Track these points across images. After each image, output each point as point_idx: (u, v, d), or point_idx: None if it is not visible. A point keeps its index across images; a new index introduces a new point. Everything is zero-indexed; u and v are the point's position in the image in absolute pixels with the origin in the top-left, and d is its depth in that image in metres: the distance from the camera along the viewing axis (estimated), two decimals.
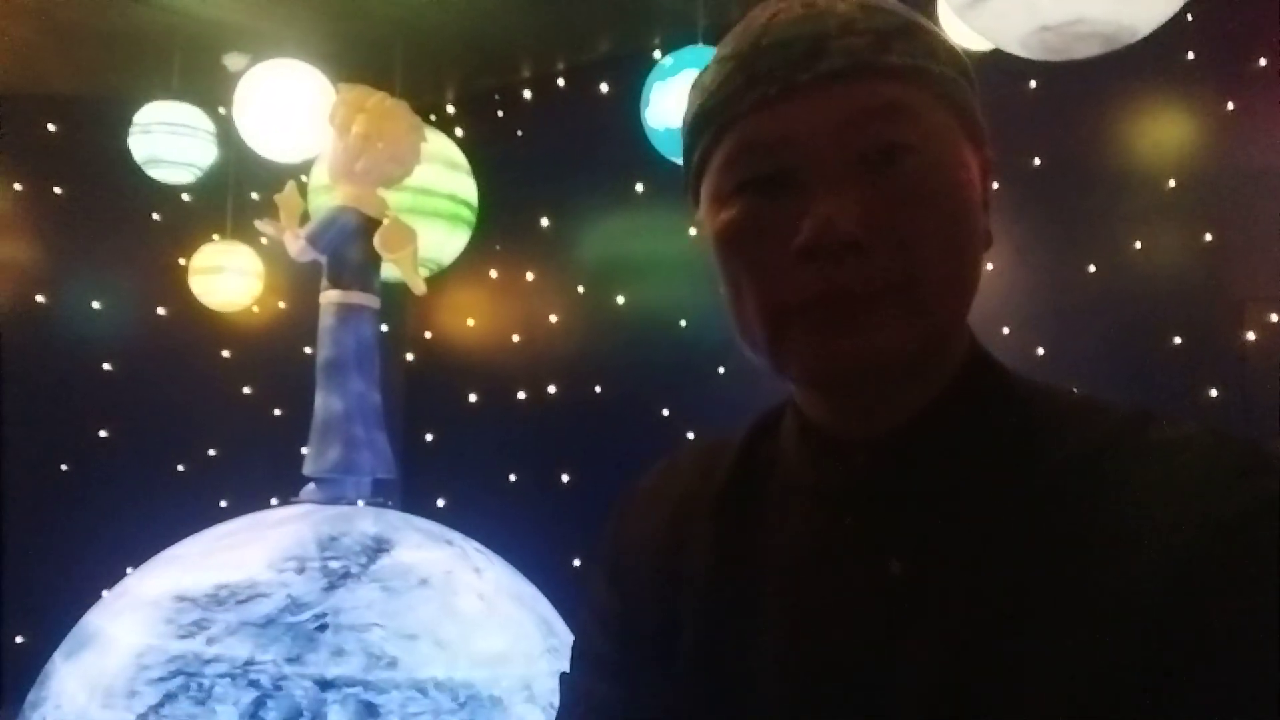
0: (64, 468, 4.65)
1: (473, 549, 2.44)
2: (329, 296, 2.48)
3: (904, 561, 0.68)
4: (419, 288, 2.65)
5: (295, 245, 2.47)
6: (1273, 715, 0.54)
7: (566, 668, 0.88)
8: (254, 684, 1.95)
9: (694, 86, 0.77)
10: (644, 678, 0.79)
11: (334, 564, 2.18)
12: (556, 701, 0.88)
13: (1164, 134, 3.40)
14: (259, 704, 1.92)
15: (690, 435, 3.99)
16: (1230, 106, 3.21)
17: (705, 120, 0.74)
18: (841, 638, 0.68)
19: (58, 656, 2.15)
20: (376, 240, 2.48)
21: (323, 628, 2.04)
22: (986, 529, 0.66)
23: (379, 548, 2.26)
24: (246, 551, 2.18)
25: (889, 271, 0.66)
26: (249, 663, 1.96)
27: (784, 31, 0.70)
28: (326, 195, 2.85)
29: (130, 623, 2.05)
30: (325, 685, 1.98)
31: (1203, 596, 0.57)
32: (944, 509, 0.68)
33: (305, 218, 2.61)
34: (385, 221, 2.54)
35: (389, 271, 2.63)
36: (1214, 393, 3.10)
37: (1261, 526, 0.58)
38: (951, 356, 0.73)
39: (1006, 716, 0.60)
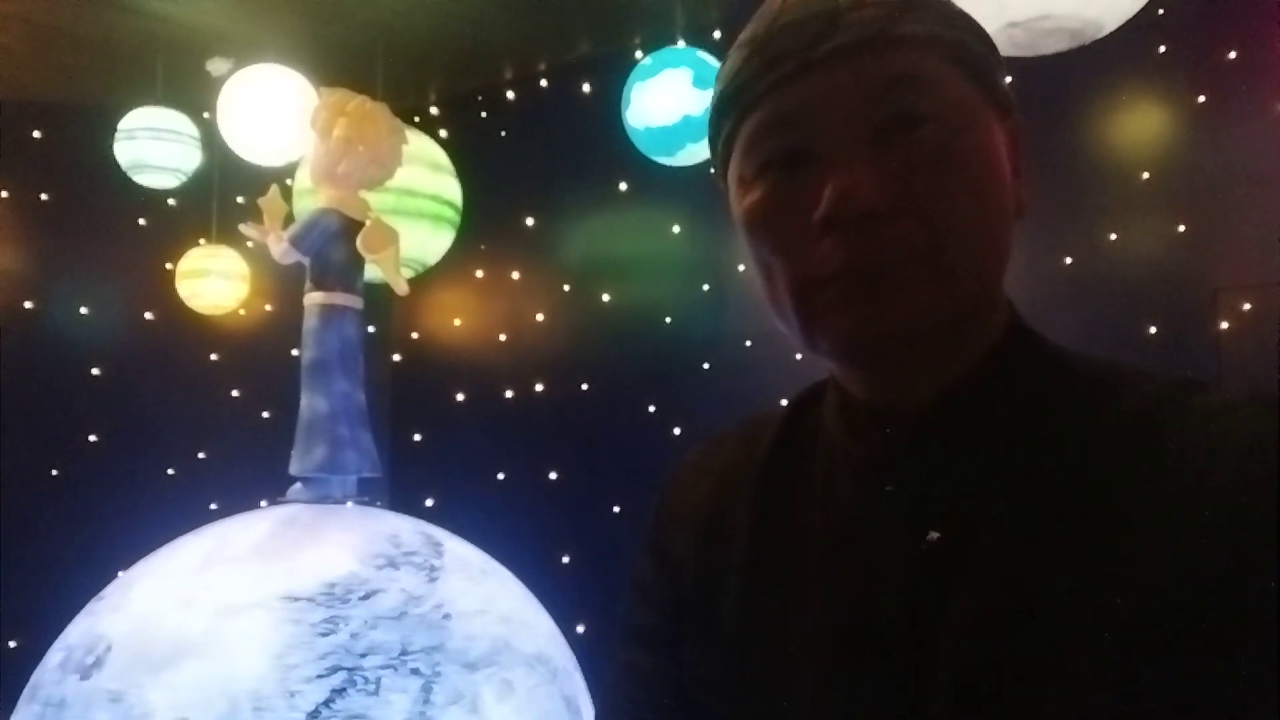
0: (54, 472, 4.67)
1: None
2: (312, 298, 2.50)
3: (943, 530, 0.67)
4: (401, 288, 2.67)
5: (278, 248, 2.49)
6: None
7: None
8: (415, 672, 2.02)
9: (717, 77, 0.78)
10: (688, 648, 0.80)
11: (415, 559, 2.26)
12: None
13: (1137, 127, 3.44)
14: (427, 690, 2.01)
15: (676, 431, 4.02)
16: (1202, 99, 3.25)
17: (726, 106, 0.75)
18: (880, 606, 0.68)
19: (121, 685, 1.98)
20: (359, 241, 2.51)
21: (447, 616, 2.14)
22: (1026, 497, 0.66)
23: (435, 541, 2.35)
24: (322, 550, 2.20)
25: (911, 239, 0.65)
26: (403, 653, 2.03)
27: (797, 13, 0.70)
28: (310, 198, 2.87)
29: (242, 628, 2.00)
30: (471, 668, 2.10)
31: (1243, 556, 0.57)
32: (983, 478, 0.68)
33: (289, 220, 2.63)
34: (367, 223, 2.57)
35: (373, 272, 2.66)
36: None
37: None
38: (988, 326, 0.73)
39: (1046, 685, 0.60)
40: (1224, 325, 3.15)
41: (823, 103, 0.68)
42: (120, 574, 2.34)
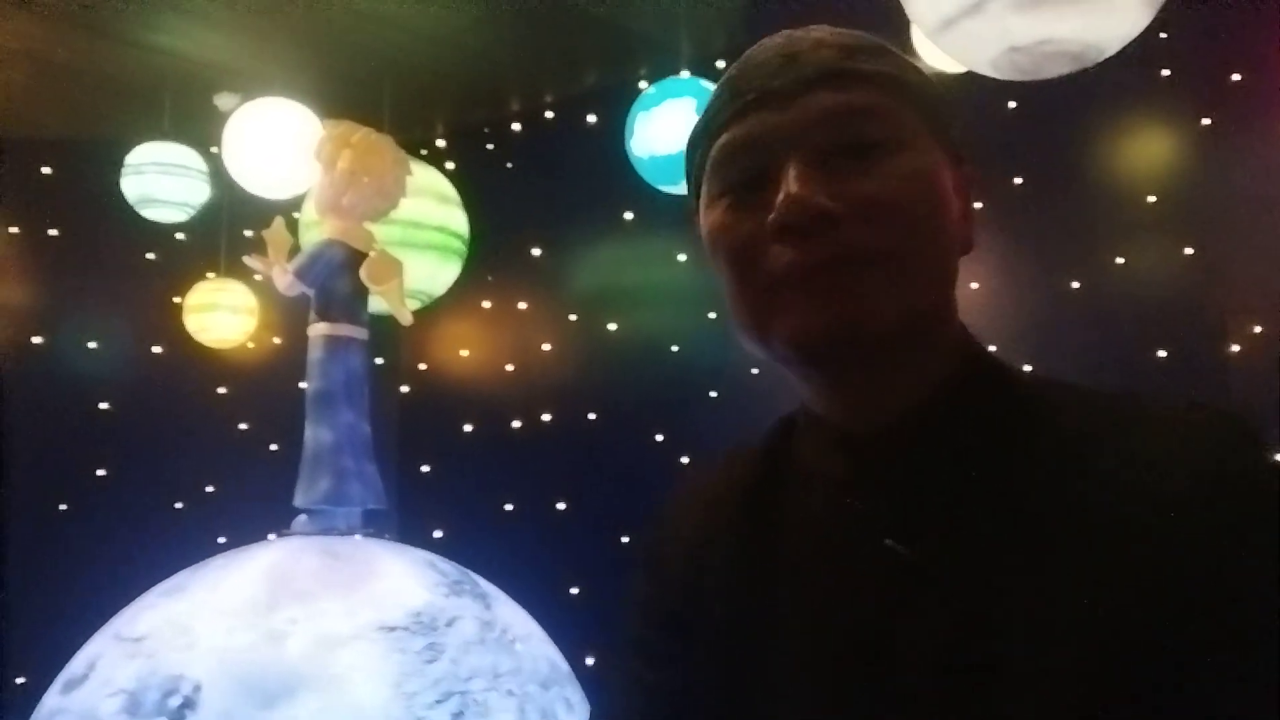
0: (62, 507, 4.66)
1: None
2: (317, 329, 2.50)
3: (908, 544, 0.70)
4: (406, 319, 2.68)
5: (283, 280, 2.50)
6: (1270, 663, 0.58)
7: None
8: (510, 693, 2.16)
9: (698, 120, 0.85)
10: (679, 662, 0.83)
11: (466, 586, 2.37)
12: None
13: (1143, 150, 3.44)
14: (521, 710, 2.15)
15: (684, 460, 4.00)
16: (1207, 121, 3.25)
17: (698, 138, 0.82)
18: (851, 618, 0.72)
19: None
20: (363, 272, 2.51)
21: (513, 640, 2.29)
22: (983, 511, 0.69)
23: (456, 567, 2.46)
24: (388, 580, 2.27)
25: (862, 242, 0.70)
26: (496, 675, 2.16)
27: (765, 54, 0.78)
28: (317, 230, 2.88)
29: (349, 659, 2.04)
30: (545, 687, 2.26)
31: (1195, 559, 0.61)
32: (944, 494, 0.72)
33: (295, 252, 2.64)
34: (371, 254, 2.57)
35: (378, 304, 2.66)
36: None
37: (1253, 489, 0.63)
38: (941, 347, 0.77)
39: (1009, 687, 0.63)
40: (1234, 348, 3.13)
41: (777, 128, 0.74)
42: (126, 613, 2.30)
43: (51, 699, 2.15)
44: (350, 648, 2.05)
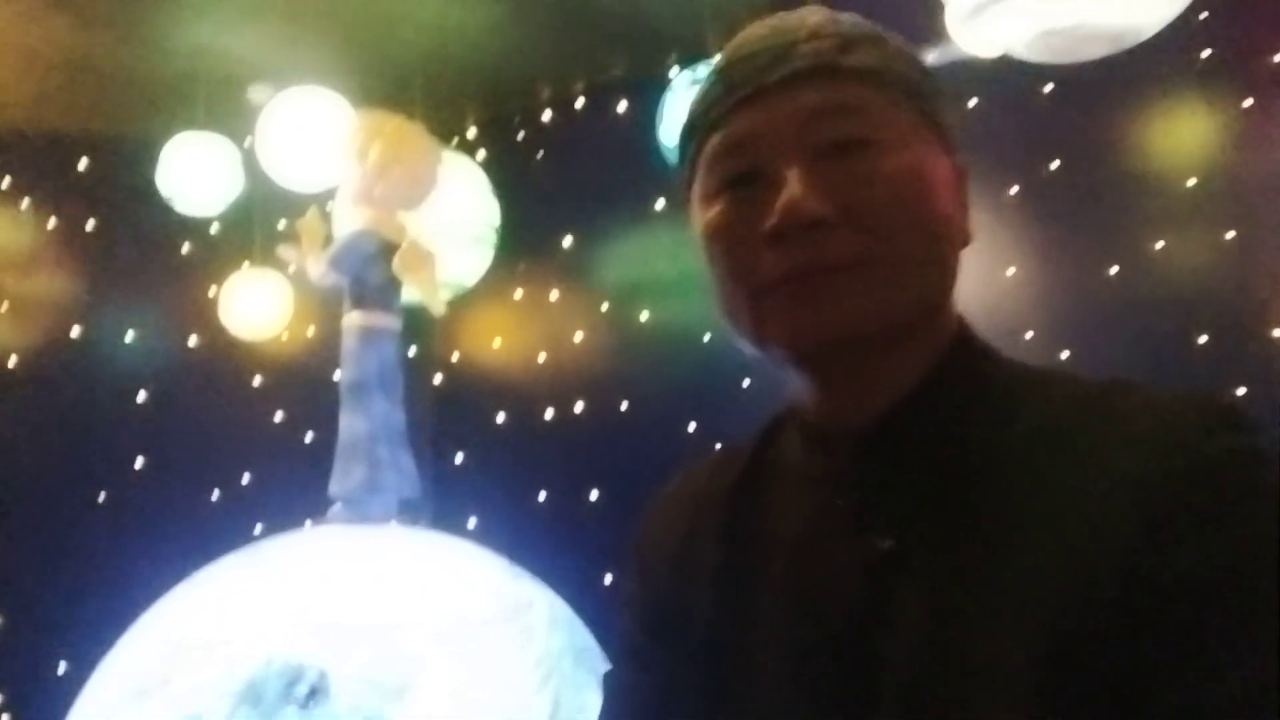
0: (101, 498, 4.72)
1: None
2: (351, 319, 2.52)
3: (892, 539, 0.71)
4: (438, 309, 2.68)
5: (317, 270, 2.51)
6: (1240, 650, 0.57)
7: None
8: (591, 670, 2.24)
9: (690, 104, 0.84)
10: (666, 663, 0.84)
11: (517, 571, 2.44)
12: None
13: (1182, 133, 3.38)
14: (596, 688, 2.21)
15: (717, 449, 3.99)
16: (1248, 103, 3.19)
17: (690, 131, 0.82)
18: (834, 613, 0.72)
19: (365, 709, 1.96)
20: (395, 262, 2.52)
21: (569, 619, 2.38)
22: (965, 504, 0.70)
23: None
24: (463, 567, 2.35)
25: (853, 248, 0.71)
26: (576, 653, 2.27)
27: (757, 43, 0.77)
28: (349, 220, 2.89)
29: (461, 645, 2.10)
30: (604, 664, 2.30)
31: (1170, 543, 0.60)
32: (927, 489, 0.72)
33: (328, 243, 2.65)
34: (403, 244, 2.58)
35: (411, 293, 2.67)
36: (1242, 390, 3.07)
37: (1226, 474, 0.62)
38: (933, 342, 0.77)
39: (988, 680, 0.63)
40: (1276, 333, 3.08)
41: (773, 126, 0.74)
42: (188, 605, 2.26)
43: (125, 700, 2.05)
44: (456, 635, 2.08)
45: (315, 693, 1.92)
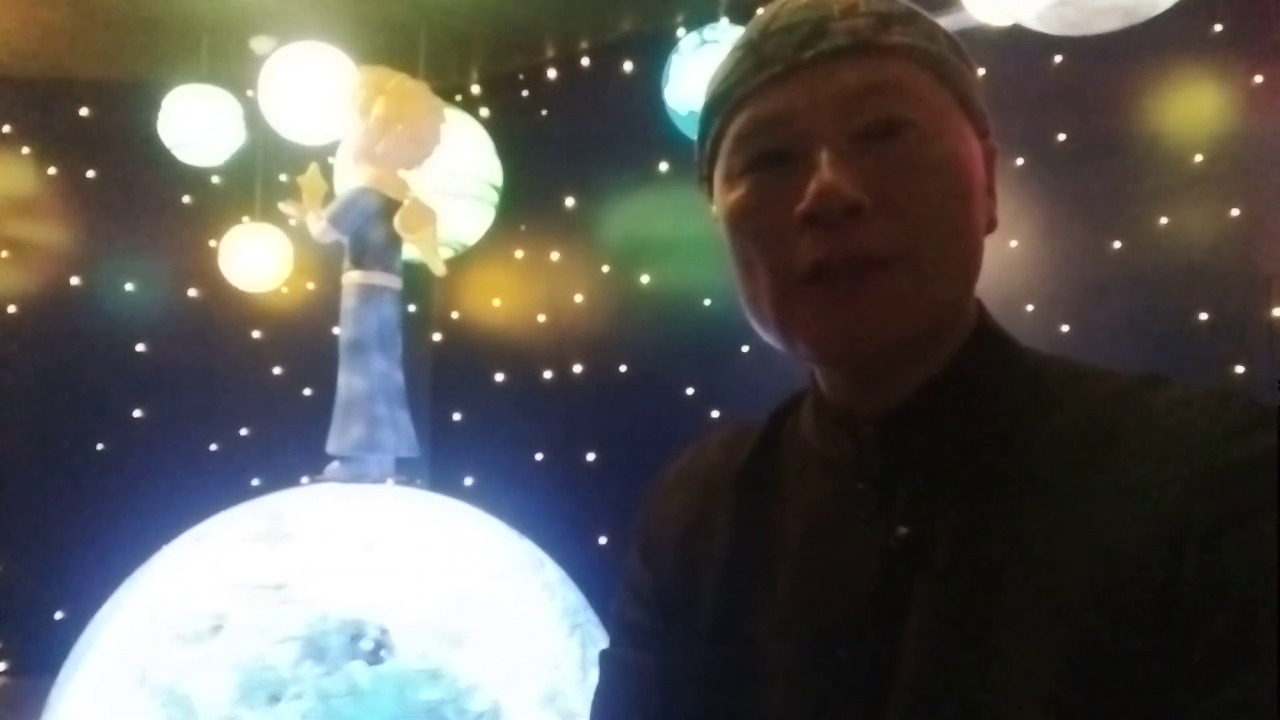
0: (100, 447, 4.73)
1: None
2: (351, 277, 2.51)
3: (910, 527, 0.69)
4: (439, 268, 2.67)
5: (317, 226, 2.50)
6: (1276, 654, 0.54)
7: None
8: (599, 625, 2.31)
9: (711, 78, 0.80)
10: (672, 644, 0.83)
11: (516, 531, 2.51)
12: None
13: (1191, 108, 3.36)
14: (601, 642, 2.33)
15: (714, 414, 4.00)
16: (1258, 79, 3.17)
17: (716, 106, 0.78)
18: (849, 600, 0.70)
19: (431, 660, 1.96)
20: (396, 221, 2.51)
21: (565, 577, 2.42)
22: (988, 495, 0.68)
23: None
24: (478, 523, 2.41)
25: (889, 237, 0.68)
26: (585, 608, 2.34)
27: (791, 17, 0.73)
28: (350, 177, 2.88)
29: (498, 599, 2.16)
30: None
31: (1203, 544, 0.58)
32: (948, 477, 0.70)
33: (329, 199, 2.63)
34: (405, 202, 2.56)
35: (412, 252, 2.66)
36: (1241, 369, 3.07)
37: (1260, 476, 0.59)
38: (957, 332, 0.75)
39: (1007, 674, 0.62)
40: (1278, 312, 3.07)
41: (808, 105, 0.70)
42: (211, 558, 2.20)
43: (172, 651, 1.94)
44: (495, 587, 2.14)
45: (380, 647, 1.92)
